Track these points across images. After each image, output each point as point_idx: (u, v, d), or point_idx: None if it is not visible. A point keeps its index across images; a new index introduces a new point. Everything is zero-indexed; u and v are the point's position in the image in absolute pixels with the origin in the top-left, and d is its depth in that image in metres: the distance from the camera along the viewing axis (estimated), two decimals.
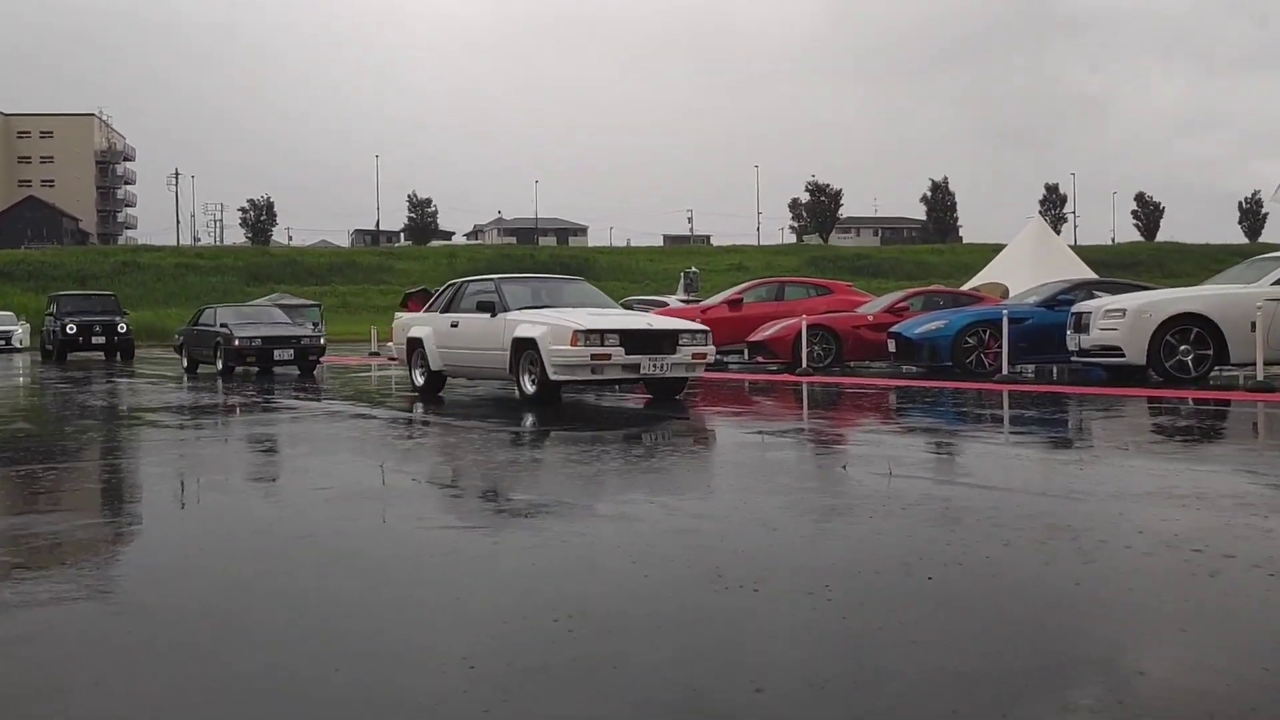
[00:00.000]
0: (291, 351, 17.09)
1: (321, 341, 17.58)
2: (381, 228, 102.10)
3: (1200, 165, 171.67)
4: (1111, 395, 10.04)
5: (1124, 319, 11.45)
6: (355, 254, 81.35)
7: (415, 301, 26.06)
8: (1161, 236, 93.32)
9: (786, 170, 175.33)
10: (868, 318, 16.11)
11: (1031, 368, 15.03)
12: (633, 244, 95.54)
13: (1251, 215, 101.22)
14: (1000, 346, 13.08)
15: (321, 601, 2.88)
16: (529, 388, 9.53)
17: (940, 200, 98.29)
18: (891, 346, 14.91)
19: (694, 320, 11.60)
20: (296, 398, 11.36)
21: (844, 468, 5.36)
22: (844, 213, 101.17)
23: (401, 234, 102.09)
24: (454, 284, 11.29)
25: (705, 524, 3.86)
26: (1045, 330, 13.53)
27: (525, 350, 9.44)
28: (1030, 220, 25.41)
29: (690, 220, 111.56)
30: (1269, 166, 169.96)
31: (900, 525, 3.82)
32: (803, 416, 8.63)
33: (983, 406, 9.41)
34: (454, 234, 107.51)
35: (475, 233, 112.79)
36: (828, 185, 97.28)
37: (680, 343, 9.34)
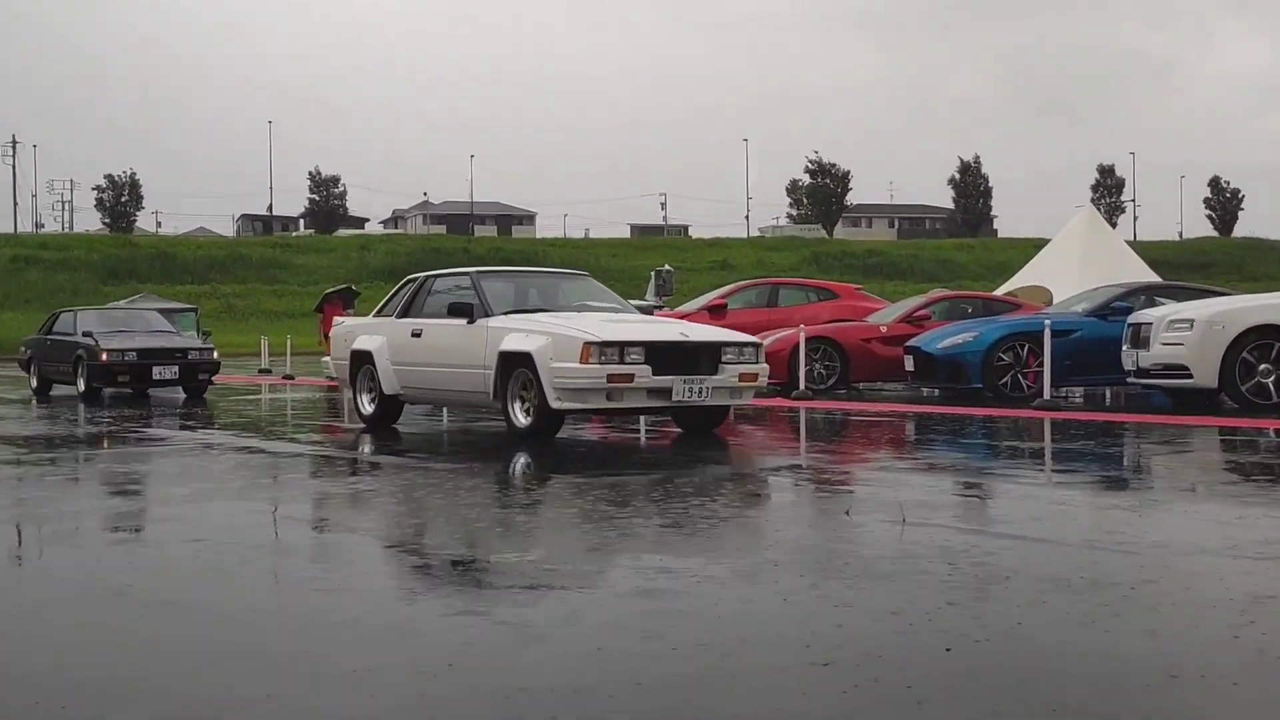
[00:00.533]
0: (176, 368, 16.88)
1: (214, 356, 17.22)
2: (276, 213, 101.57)
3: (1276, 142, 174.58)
4: (1176, 425, 10.16)
5: (1191, 332, 11.57)
6: (242, 245, 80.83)
7: (335, 304, 26.23)
8: (1240, 231, 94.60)
9: (782, 146, 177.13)
10: (880, 329, 16.31)
11: (1079, 391, 15.26)
12: (592, 235, 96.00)
13: None
14: (1041, 365, 13.21)
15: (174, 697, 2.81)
16: (521, 419, 9.21)
17: (971, 185, 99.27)
18: (909, 364, 15.10)
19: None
20: (187, 428, 11.33)
21: (847, 513, 5.50)
22: (853, 199, 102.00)
23: (301, 220, 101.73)
24: (415, 280, 10.97)
25: (672, 582, 3.96)
26: (1096, 345, 13.74)
27: (516, 369, 9.06)
28: (1079, 210, 25.63)
29: (663, 206, 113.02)
30: None
31: (914, 584, 3.89)
32: (799, 451, 8.83)
33: (1019, 438, 9.63)
34: (367, 221, 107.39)
35: (394, 220, 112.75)
36: (833, 165, 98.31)
37: (724, 359, 9.02)
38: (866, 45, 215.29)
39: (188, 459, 8.50)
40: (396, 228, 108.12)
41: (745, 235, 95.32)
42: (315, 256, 76.26)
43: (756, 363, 9.32)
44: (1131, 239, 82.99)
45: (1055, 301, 18.61)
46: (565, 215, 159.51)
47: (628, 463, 8.02)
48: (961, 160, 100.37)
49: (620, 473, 7.20)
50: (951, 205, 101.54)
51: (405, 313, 10.84)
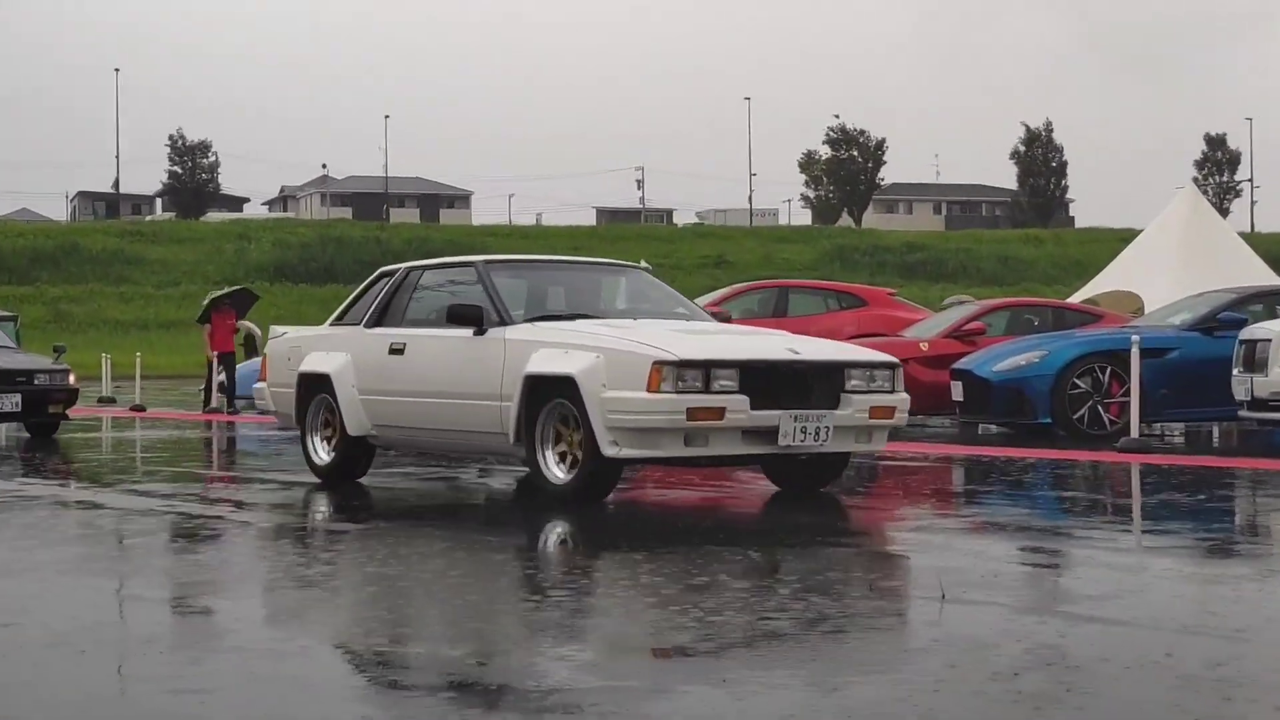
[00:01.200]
0: (18, 398, 16.17)
1: (71, 380, 16.85)
2: (123, 190, 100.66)
3: None
4: None
5: None
6: (78, 233, 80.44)
7: (228, 313, 25.67)
8: None
9: (795, 107, 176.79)
10: (920, 345, 16.68)
11: (1179, 427, 15.78)
12: (545, 222, 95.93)
13: None
14: (1128, 393, 13.36)
15: None
16: (556, 472, 8.78)
17: (1039, 160, 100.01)
18: (957, 392, 15.49)
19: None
20: (54, 482, 11.05)
21: (871, 588, 5.69)
22: (887, 177, 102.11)
23: (158, 201, 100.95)
24: (390, 274, 10.56)
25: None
26: (1200, 367, 14.03)
27: (550, 399, 8.68)
28: (1179, 193, 26.11)
29: (639, 185, 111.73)
30: None
31: (959, 677, 4.05)
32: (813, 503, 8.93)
33: (1098, 489, 9.79)
34: (247, 202, 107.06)
35: (283, 200, 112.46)
36: (861, 133, 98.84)
37: (849, 386, 8.66)
38: None
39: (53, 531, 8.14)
40: (286, 210, 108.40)
41: (748, 224, 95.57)
42: (177, 248, 76.44)
43: (893, 391, 8.87)
44: (1248, 230, 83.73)
45: (1147, 311, 18.98)
46: (510, 196, 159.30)
47: (705, 533, 7.67)
48: (1028, 128, 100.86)
49: (702, 553, 6.76)
50: (1015, 186, 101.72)
51: (379, 320, 10.24)
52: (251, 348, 26.49)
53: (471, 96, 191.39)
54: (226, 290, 26.43)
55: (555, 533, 7.89)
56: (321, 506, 9.27)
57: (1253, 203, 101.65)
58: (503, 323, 9.18)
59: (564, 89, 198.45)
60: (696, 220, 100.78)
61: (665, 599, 5.47)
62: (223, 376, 23.67)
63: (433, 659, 4.46)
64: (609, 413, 8.22)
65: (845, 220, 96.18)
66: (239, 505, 9.40)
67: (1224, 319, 14.19)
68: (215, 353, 23.72)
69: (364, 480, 10.48)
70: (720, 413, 8.18)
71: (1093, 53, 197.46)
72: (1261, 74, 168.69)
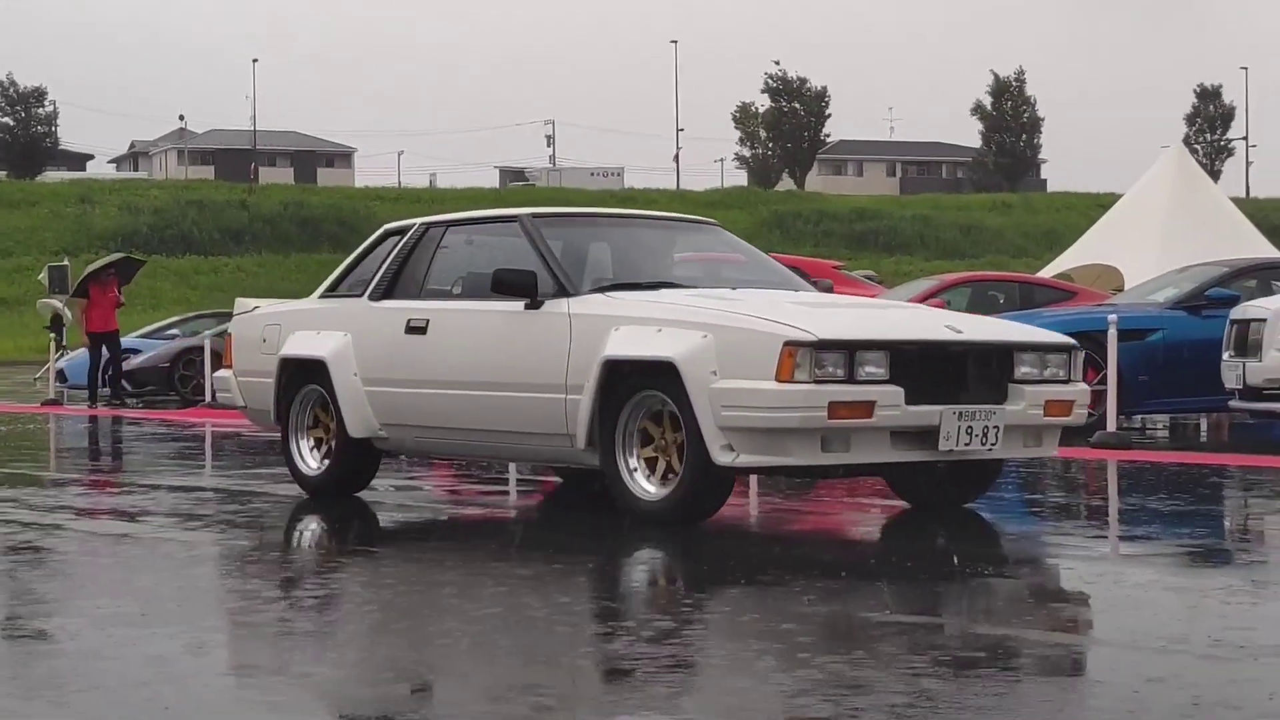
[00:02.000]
0: None
1: None
2: None
3: None
4: None
5: None
6: None
7: (108, 284, 24.82)
8: None
9: (728, 54, 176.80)
10: None
11: (1163, 419, 16.32)
12: (439, 184, 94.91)
13: None
14: (1104, 380, 13.40)
15: None
16: (645, 485, 8.04)
17: (1009, 114, 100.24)
18: None
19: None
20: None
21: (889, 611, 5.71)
22: (833, 133, 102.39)
23: None
24: (401, 233, 9.71)
25: None
26: (1186, 351, 14.25)
27: (638, 392, 8.03)
28: (1165, 153, 26.78)
29: (549, 142, 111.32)
30: None
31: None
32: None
33: (1070, 489, 10.11)
34: (91, 158, 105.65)
35: (133, 158, 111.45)
36: (803, 82, 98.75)
37: (1019, 372, 8.10)
38: None
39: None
40: (137, 169, 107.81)
41: (675, 186, 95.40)
42: (7, 213, 75.13)
43: (1070, 381, 8.24)
44: (1242, 195, 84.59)
45: (1127, 288, 19.26)
46: (400, 153, 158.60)
47: (828, 564, 7.15)
48: (996, 78, 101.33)
49: (855, 590, 6.34)
50: (980, 144, 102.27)
51: (388, 290, 9.36)
52: (59, 330, 26.02)
53: (354, 39, 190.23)
54: (105, 259, 25.96)
55: (649, 561, 7.46)
56: (310, 534, 8.75)
57: (1248, 164, 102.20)
58: (564, 293, 8.39)
59: (462, 31, 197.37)
60: (527, 182, 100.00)
61: (794, 653, 4.94)
62: (66, 360, 23.00)
63: None
64: (723, 408, 7.47)
65: (786, 183, 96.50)
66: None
67: (1213, 296, 14.32)
68: (92, 333, 23.31)
69: (362, 494, 9.65)
70: (869, 408, 7.48)
71: None
72: (1261, 19, 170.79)
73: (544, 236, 8.74)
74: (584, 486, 10.01)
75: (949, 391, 7.73)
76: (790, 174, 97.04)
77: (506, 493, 10.50)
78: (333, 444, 9.43)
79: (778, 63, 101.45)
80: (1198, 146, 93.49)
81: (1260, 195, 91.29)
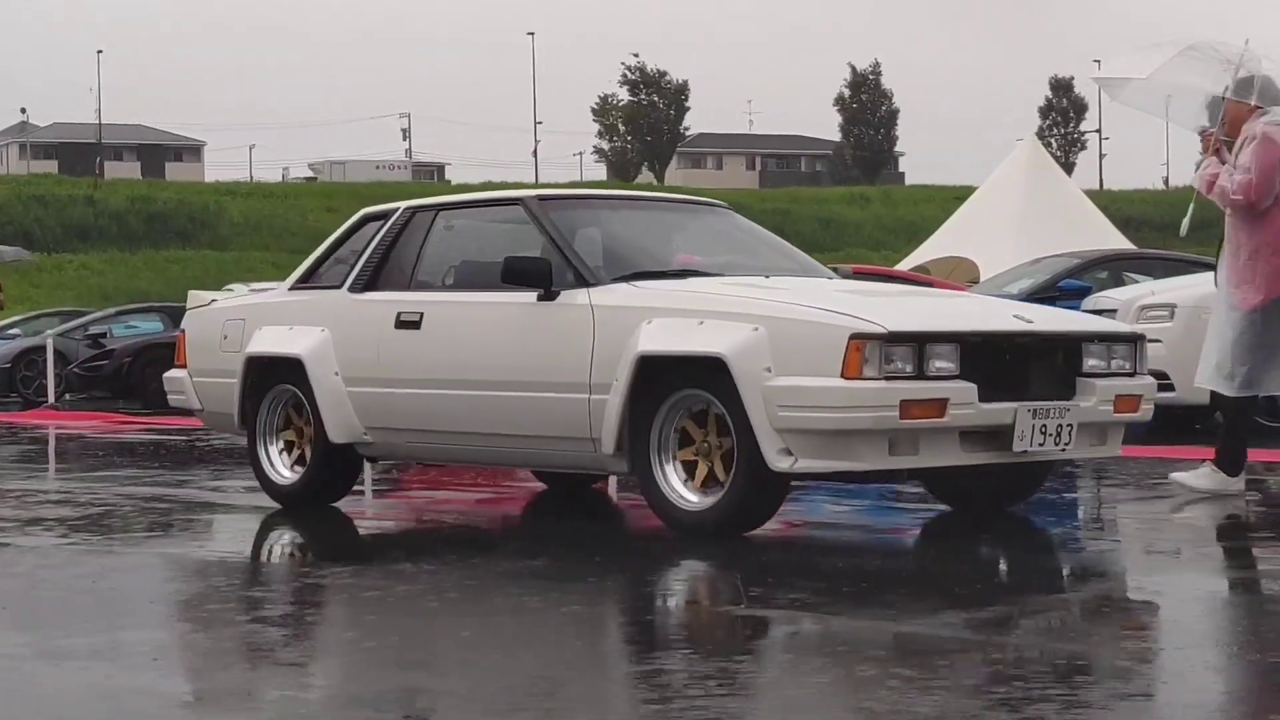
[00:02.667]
0: None
1: None
2: None
3: None
4: (1155, 458, 10.54)
5: (1173, 323, 12.19)
6: None
7: None
8: None
9: (586, 45, 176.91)
10: None
11: None
12: (293, 178, 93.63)
13: None
14: None
15: None
16: (685, 494, 7.43)
17: (868, 107, 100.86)
18: None
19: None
20: None
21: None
22: (693, 126, 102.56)
23: None
24: (379, 216, 9.07)
25: None
26: None
27: (676, 390, 7.45)
28: (1019, 145, 27.57)
29: (406, 135, 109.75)
30: None
31: None
32: None
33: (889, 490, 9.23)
34: None
35: None
36: (663, 74, 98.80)
37: (1087, 365, 7.60)
38: None
39: None
40: None
41: (534, 179, 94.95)
42: None
43: (1135, 374, 7.73)
44: (1095, 187, 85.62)
45: (983, 279, 19.50)
46: (252, 147, 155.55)
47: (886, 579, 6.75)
48: (854, 70, 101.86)
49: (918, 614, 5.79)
50: (838, 137, 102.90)
51: (372, 281, 8.64)
52: None
53: (202, 30, 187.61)
54: None
55: (696, 580, 6.80)
56: (291, 542, 8.17)
57: (1101, 156, 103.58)
58: (583, 282, 7.73)
59: (314, 22, 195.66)
60: (310, 175, 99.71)
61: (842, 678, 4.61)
62: None
63: None
64: (780, 409, 6.86)
65: (646, 176, 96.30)
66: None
67: (1065, 287, 14.36)
68: None
69: (339, 504, 8.94)
70: (941, 407, 6.92)
71: None
72: (1114, 11, 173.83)
73: (553, 220, 8.10)
74: (572, 492, 9.44)
75: (1019, 387, 7.23)
76: (650, 167, 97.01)
77: (490, 499, 9.87)
78: (307, 449, 8.72)
79: (636, 55, 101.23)
80: (1051, 139, 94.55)
81: (1113, 187, 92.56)
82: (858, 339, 6.75)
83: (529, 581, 6.43)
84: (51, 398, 22.15)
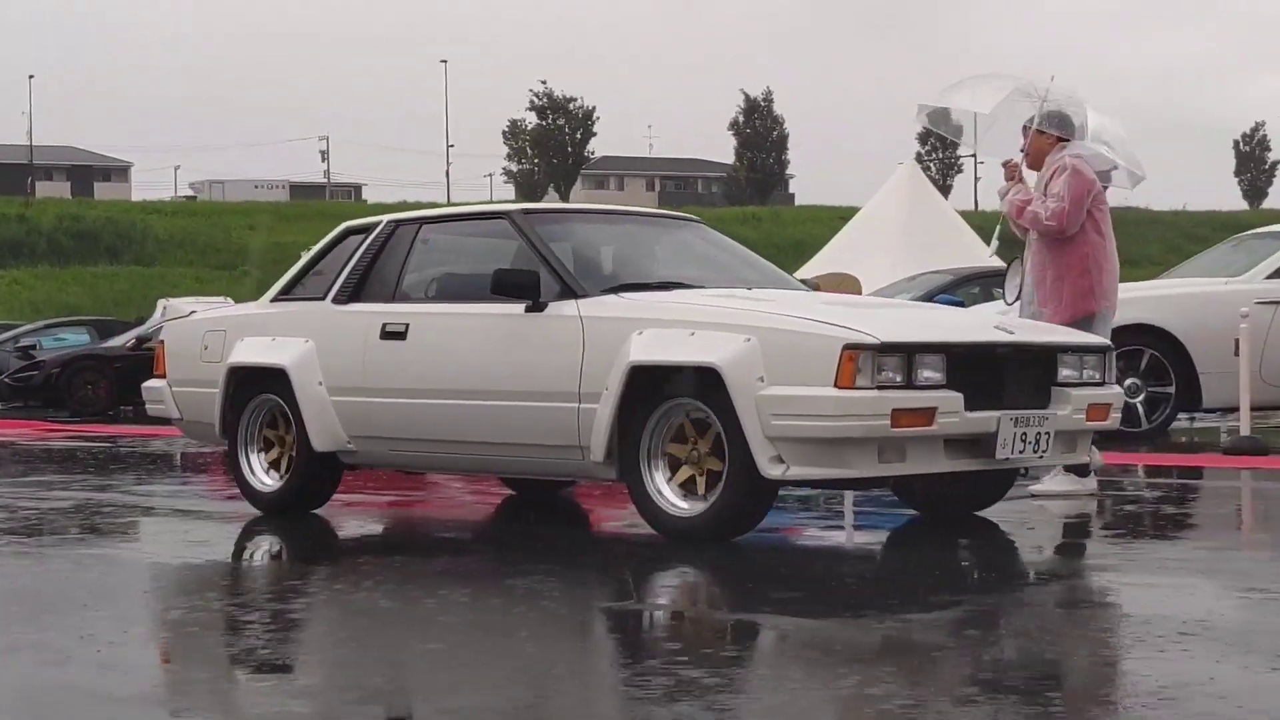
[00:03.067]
0: None
1: None
2: None
3: (1169, 80, 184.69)
4: None
5: None
6: None
7: None
8: (1114, 199, 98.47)
9: (497, 73, 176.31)
10: None
11: None
12: (223, 198, 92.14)
13: (1253, 164, 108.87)
14: None
15: None
16: (674, 500, 7.08)
17: (760, 131, 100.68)
18: None
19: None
20: None
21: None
22: (597, 149, 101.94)
23: None
24: (365, 232, 8.59)
25: None
26: None
27: (667, 399, 7.10)
28: (899, 169, 26.79)
29: (324, 157, 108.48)
30: (1265, 83, 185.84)
31: None
32: None
33: None
34: None
35: None
36: (571, 100, 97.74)
37: (1061, 375, 7.35)
38: None
39: None
40: None
41: (446, 199, 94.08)
42: None
43: (1105, 384, 7.48)
44: (971, 209, 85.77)
45: (865, 294, 19.46)
46: (177, 167, 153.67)
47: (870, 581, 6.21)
48: (747, 97, 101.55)
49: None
50: (733, 160, 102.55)
51: (356, 293, 8.25)
52: None
53: (129, 56, 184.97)
54: None
55: (674, 586, 6.44)
56: (272, 548, 7.67)
57: (976, 179, 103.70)
58: (570, 294, 7.38)
59: (236, 48, 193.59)
60: (190, 194, 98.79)
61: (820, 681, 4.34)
62: None
63: None
64: (774, 417, 6.57)
65: (552, 196, 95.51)
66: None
67: (940, 302, 14.03)
68: None
69: (320, 510, 8.52)
70: (930, 416, 6.65)
71: (818, 14, 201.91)
72: (984, 39, 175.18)
73: (539, 233, 7.74)
74: (540, 499, 9.13)
75: (1000, 396, 6.96)
76: (555, 188, 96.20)
77: (463, 504, 9.50)
78: (290, 457, 8.32)
79: (544, 82, 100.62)
80: (930, 163, 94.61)
81: (987, 208, 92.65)
82: (851, 349, 6.47)
83: (503, 584, 6.07)
84: None
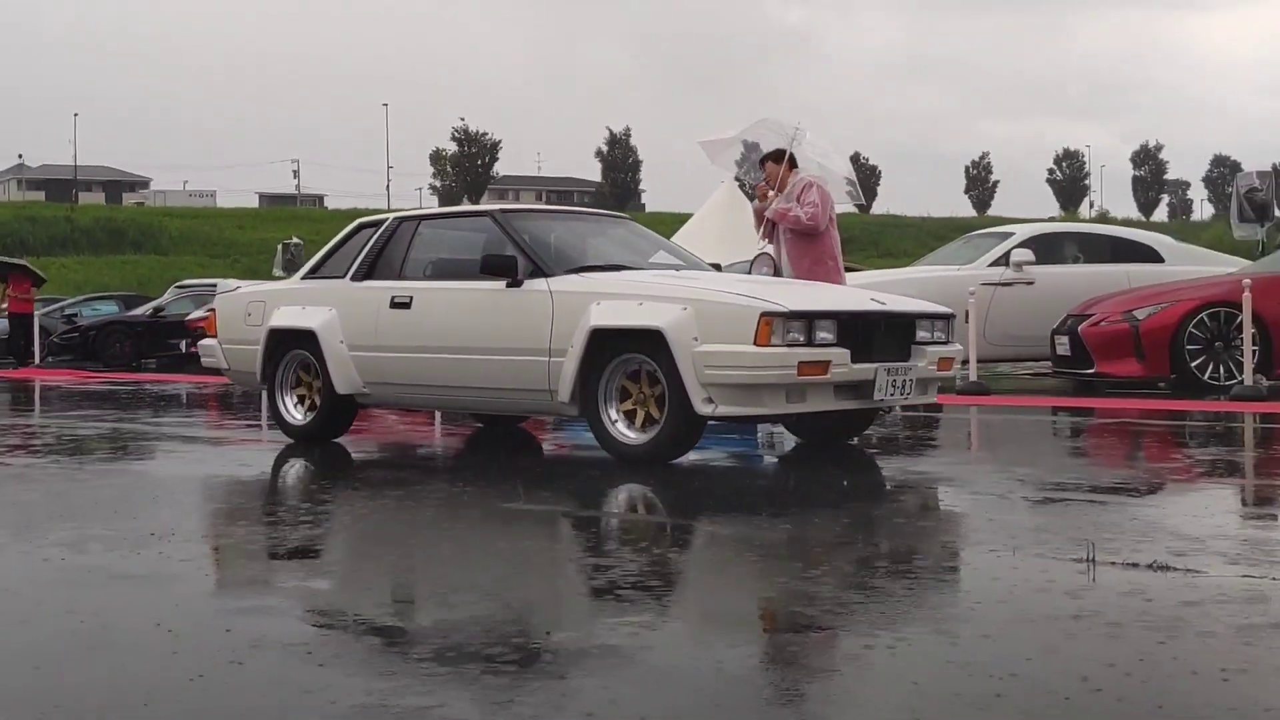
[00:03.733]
0: None
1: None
2: None
3: (920, 121, 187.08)
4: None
5: None
6: None
7: (19, 278, 22.16)
8: (879, 208, 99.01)
9: (428, 112, 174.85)
10: None
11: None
12: (217, 204, 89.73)
13: (979, 183, 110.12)
14: None
15: None
16: (625, 432, 6.66)
17: (620, 158, 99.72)
18: None
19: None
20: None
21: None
22: (500, 170, 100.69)
23: None
24: (376, 226, 8.05)
25: None
26: None
27: (618, 355, 6.64)
28: (721, 185, 25.64)
29: (295, 174, 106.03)
30: (995, 126, 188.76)
31: None
32: None
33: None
34: None
35: None
36: (483, 134, 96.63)
37: (919, 336, 7.00)
38: (503, 7, 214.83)
39: None
40: None
41: (387, 206, 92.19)
42: None
43: (950, 343, 7.13)
44: None
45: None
46: (185, 182, 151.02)
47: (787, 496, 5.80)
48: (611, 132, 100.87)
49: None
50: (600, 179, 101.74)
51: (369, 273, 7.73)
52: None
53: (150, 99, 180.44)
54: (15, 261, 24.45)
55: (627, 498, 5.87)
56: (299, 463, 6.87)
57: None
58: (541, 273, 6.93)
59: (231, 93, 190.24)
60: (139, 201, 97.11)
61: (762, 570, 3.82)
62: None
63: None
64: (706, 368, 6.19)
65: (465, 203, 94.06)
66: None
67: None
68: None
69: (341, 440, 7.97)
70: (825, 367, 6.28)
71: (661, 73, 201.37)
72: (786, 90, 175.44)
73: (515, 227, 7.26)
74: (503, 430, 8.69)
75: (875, 352, 6.60)
76: (468, 199, 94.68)
77: (447, 434, 8.93)
78: (316, 399, 7.82)
79: (463, 119, 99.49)
80: (749, 180, 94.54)
81: None
82: (767, 316, 6.12)
83: (486, 501, 5.58)
84: (37, 359, 21.54)
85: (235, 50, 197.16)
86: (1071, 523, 4.70)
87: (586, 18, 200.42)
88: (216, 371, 8.65)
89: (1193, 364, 10.93)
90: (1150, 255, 13.25)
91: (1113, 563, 3.82)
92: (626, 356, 6.51)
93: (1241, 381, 10.27)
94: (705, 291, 6.43)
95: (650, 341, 6.36)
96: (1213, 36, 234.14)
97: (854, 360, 6.36)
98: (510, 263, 6.90)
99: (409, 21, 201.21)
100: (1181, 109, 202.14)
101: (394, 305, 7.41)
